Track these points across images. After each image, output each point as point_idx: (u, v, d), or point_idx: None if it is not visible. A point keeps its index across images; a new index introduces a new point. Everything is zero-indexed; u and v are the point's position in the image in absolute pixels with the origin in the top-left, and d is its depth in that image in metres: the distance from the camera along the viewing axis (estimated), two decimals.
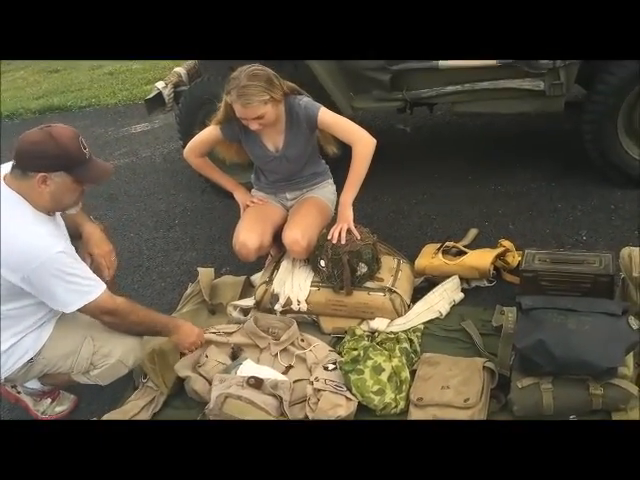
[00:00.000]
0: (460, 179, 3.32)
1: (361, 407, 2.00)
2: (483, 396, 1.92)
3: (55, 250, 1.84)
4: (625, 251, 2.13)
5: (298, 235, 2.42)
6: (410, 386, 2.03)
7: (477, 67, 2.76)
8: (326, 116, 2.36)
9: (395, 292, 2.36)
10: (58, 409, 2.28)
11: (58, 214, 2.08)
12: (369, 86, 3.01)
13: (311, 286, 2.43)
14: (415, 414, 1.94)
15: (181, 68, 3.67)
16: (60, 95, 6.38)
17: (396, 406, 1.99)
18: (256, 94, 2.21)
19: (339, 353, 2.20)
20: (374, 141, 2.35)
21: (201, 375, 2.15)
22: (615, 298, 2.12)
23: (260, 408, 1.95)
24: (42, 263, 1.82)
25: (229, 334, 2.33)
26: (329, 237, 2.36)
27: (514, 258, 2.52)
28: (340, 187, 2.46)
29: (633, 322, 1.86)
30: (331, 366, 2.11)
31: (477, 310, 2.35)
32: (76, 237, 2.19)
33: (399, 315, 2.34)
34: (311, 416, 1.96)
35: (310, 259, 2.47)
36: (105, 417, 2.10)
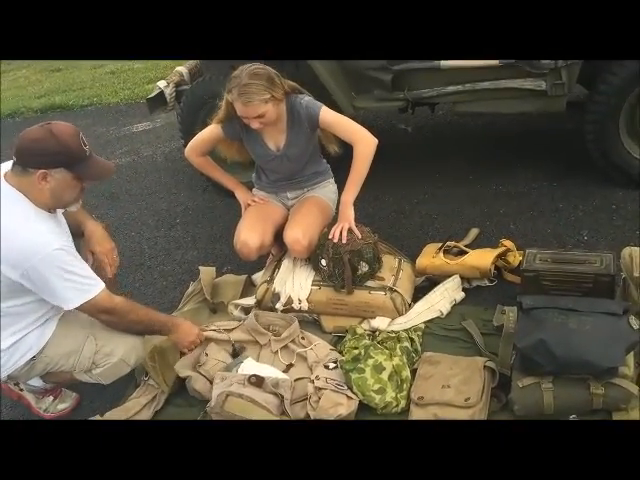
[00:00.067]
0: (461, 179, 3.32)
1: (362, 406, 2.00)
2: (484, 395, 1.92)
3: (54, 247, 1.85)
4: (626, 251, 2.13)
5: (299, 234, 2.42)
6: (411, 385, 2.04)
7: (479, 67, 2.76)
8: (327, 115, 2.36)
9: (396, 291, 2.36)
10: (60, 407, 2.29)
11: (60, 212, 2.09)
12: (371, 86, 3.01)
13: (312, 285, 2.43)
14: (416, 413, 1.94)
15: (183, 67, 3.67)
16: (62, 94, 6.39)
17: (397, 405, 1.99)
18: (257, 93, 2.21)
19: (340, 352, 2.20)
20: (375, 141, 2.35)
21: (201, 374, 2.15)
22: (616, 298, 2.13)
23: (261, 406, 1.95)
24: (41, 259, 1.82)
25: (229, 330, 2.33)
26: (330, 236, 2.36)
27: (515, 258, 2.52)
28: (341, 186, 2.46)
29: (634, 322, 1.86)
30: (332, 365, 2.11)
31: (478, 309, 2.35)
32: (78, 235, 2.20)
33: (400, 314, 2.34)
34: (312, 415, 1.96)
35: (311, 258, 2.47)
36: (107, 414, 2.11)
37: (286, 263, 2.53)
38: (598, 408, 1.80)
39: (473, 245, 2.68)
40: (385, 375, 2.03)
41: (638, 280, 2.05)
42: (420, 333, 2.28)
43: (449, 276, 2.46)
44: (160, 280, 3.01)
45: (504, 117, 3.61)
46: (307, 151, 2.53)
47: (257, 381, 2.02)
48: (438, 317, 2.35)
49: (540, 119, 3.52)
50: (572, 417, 1.82)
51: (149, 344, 2.20)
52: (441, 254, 2.53)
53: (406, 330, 2.27)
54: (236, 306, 2.52)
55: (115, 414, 2.11)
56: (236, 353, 2.26)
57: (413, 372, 2.09)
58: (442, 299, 2.39)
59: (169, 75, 3.69)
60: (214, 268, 2.74)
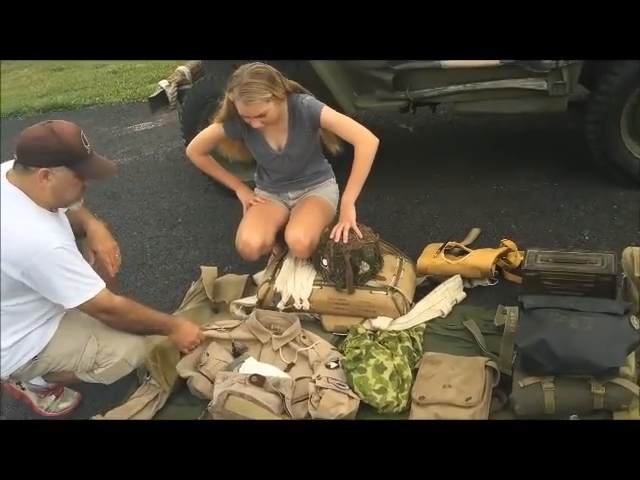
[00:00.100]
0: (462, 179, 3.32)
1: (363, 405, 2.00)
2: (485, 395, 1.92)
3: (55, 245, 1.85)
4: (627, 251, 2.13)
5: (300, 234, 2.42)
6: (412, 385, 2.04)
7: (480, 67, 2.75)
8: (329, 115, 2.36)
9: (397, 291, 2.36)
10: (62, 406, 2.29)
11: (62, 212, 2.09)
12: (372, 86, 3.01)
13: (313, 285, 2.43)
14: (417, 413, 1.94)
15: (184, 67, 3.68)
16: (64, 93, 6.40)
17: (398, 404, 2.00)
18: (258, 92, 2.21)
19: (341, 351, 2.21)
20: (377, 140, 2.35)
21: (203, 374, 2.16)
22: (617, 298, 2.12)
23: (262, 406, 1.95)
24: (41, 258, 1.83)
25: (230, 329, 2.34)
26: (331, 236, 2.36)
27: (516, 258, 2.52)
28: (342, 186, 2.46)
29: (635, 322, 1.86)
30: (333, 364, 2.11)
31: (479, 309, 2.35)
32: (80, 235, 2.20)
33: (401, 314, 2.34)
34: (313, 414, 1.96)
35: (312, 258, 2.47)
36: (109, 414, 2.11)
37: (287, 263, 2.53)
38: (599, 408, 1.80)
39: (474, 245, 2.67)
40: (386, 375, 2.03)
41: (639, 280, 2.05)
42: (421, 333, 2.28)
43: (450, 276, 2.46)
44: (162, 279, 3.01)
45: (505, 117, 3.61)
46: (308, 151, 2.53)
47: (258, 380, 2.02)
48: (439, 317, 2.35)
49: (541, 119, 3.51)
50: (573, 417, 1.82)
51: (151, 344, 2.21)
52: (442, 254, 2.53)
53: (407, 330, 2.27)
54: (238, 306, 2.52)
55: (116, 413, 2.11)
56: (237, 352, 2.26)
57: (414, 372, 2.09)
58: (443, 299, 2.39)
59: (171, 75, 3.70)
60: (216, 268, 2.75)
